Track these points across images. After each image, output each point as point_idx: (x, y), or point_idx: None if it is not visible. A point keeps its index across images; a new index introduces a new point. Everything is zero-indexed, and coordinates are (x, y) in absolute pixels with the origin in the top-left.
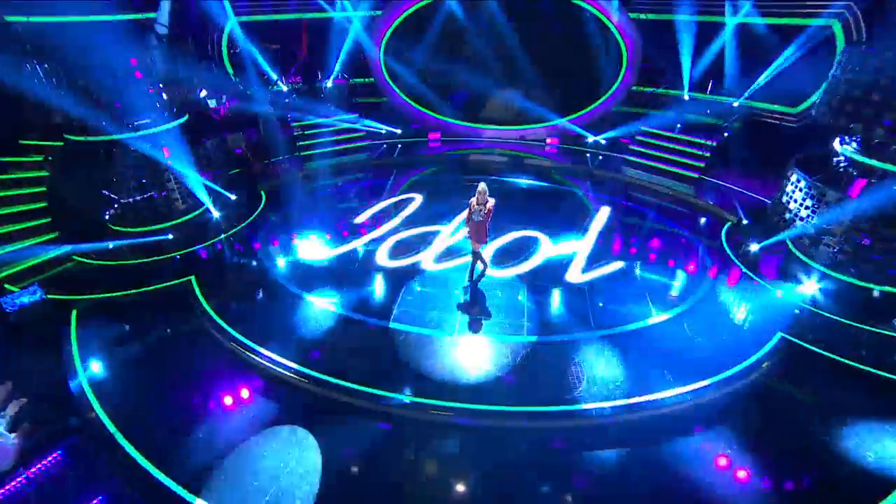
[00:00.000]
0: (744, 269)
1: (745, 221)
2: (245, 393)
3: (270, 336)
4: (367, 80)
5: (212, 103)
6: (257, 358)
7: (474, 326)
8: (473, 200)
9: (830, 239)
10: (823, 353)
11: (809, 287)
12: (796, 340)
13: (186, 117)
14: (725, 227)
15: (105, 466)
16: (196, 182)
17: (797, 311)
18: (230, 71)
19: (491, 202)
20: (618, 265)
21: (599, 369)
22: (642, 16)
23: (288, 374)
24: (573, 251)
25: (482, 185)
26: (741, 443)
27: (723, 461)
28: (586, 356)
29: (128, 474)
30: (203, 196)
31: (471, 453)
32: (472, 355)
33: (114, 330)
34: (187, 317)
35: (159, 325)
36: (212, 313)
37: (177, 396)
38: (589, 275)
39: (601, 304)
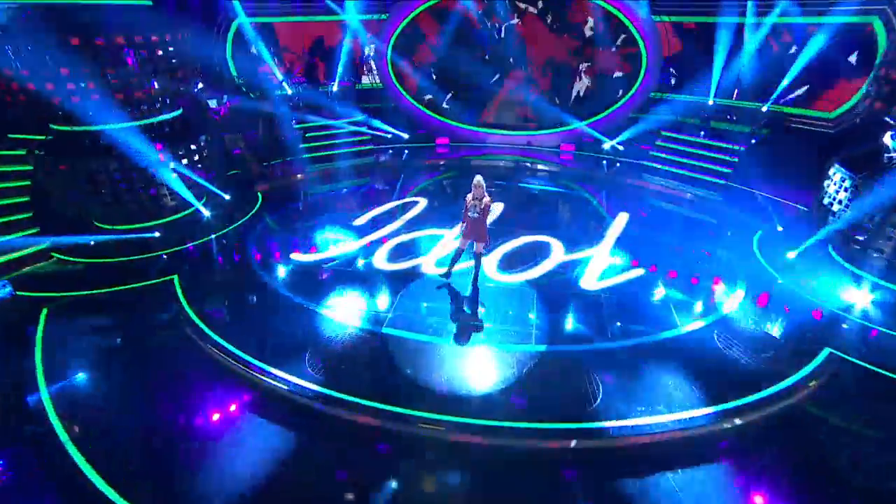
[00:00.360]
0: (780, 279)
1: (779, 228)
2: (221, 402)
3: (254, 340)
4: (374, 84)
5: (212, 104)
6: (236, 363)
7: (477, 333)
8: (469, 196)
9: (885, 243)
10: (879, 370)
11: (858, 297)
12: (847, 357)
13: (181, 111)
14: (757, 234)
15: (52, 482)
16: (191, 180)
17: (845, 326)
18: (234, 72)
19: (488, 200)
20: (637, 272)
21: (616, 383)
22: (665, 17)
23: (269, 380)
24: (588, 256)
25: (478, 178)
26: (781, 473)
27: (759, 500)
28: (602, 368)
29: (77, 493)
30: (193, 195)
31: (463, 472)
32: (472, 365)
33: (84, 331)
34: (166, 318)
35: (134, 326)
36: (191, 314)
37: (144, 406)
38: (605, 282)
39: (619, 313)
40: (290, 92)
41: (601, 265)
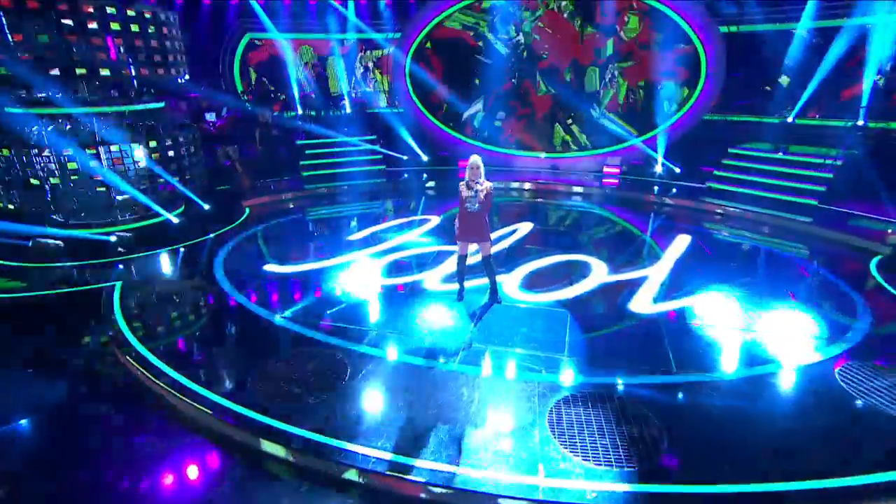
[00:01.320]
0: None
1: None
2: (148, 442)
3: (202, 361)
4: (396, 109)
5: (210, 117)
6: (173, 390)
7: (490, 359)
8: (463, 185)
9: None
10: None
11: None
12: None
13: (163, 105)
14: (875, 259)
15: None
16: (168, 185)
17: None
18: (239, 87)
19: (489, 185)
20: (711, 297)
21: (690, 433)
22: (734, 28)
23: (209, 412)
24: (642, 276)
25: (474, 158)
26: None
27: None
28: (660, 411)
29: None
30: (169, 201)
31: None
32: (481, 395)
33: None
34: (91, 331)
35: (52, 333)
36: (123, 326)
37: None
38: (665, 305)
39: (687, 341)
40: (300, 111)
41: (659, 284)
